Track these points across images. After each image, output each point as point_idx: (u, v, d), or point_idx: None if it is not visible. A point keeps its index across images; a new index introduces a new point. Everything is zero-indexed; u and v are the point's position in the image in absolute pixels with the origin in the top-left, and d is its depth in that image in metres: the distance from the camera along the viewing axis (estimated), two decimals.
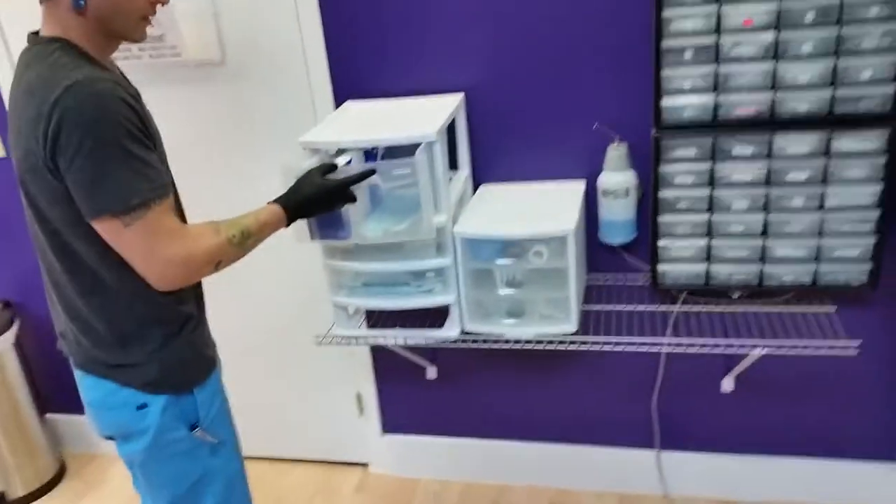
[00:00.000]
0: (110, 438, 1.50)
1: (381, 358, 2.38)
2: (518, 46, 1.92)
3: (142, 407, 1.38)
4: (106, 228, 1.23)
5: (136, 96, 1.31)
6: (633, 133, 1.91)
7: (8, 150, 1.39)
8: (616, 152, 1.88)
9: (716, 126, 1.73)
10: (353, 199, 1.58)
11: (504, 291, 1.84)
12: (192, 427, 1.42)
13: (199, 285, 1.50)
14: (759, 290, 1.88)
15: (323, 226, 1.69)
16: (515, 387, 2.31)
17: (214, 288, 1.58)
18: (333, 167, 1.60)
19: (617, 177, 1.88)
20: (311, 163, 1.66)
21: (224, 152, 2.23)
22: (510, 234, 1.78)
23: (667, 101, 1.74)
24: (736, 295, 1.94)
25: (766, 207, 1.77)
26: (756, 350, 1.78)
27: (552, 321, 1.84)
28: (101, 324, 1.35)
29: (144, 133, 1.25)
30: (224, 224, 1.34)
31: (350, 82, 2.06)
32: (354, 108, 2.00)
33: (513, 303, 1.86)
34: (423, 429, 2.46)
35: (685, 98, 1.72)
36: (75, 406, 2.74)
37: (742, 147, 1.74)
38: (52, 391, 2.76)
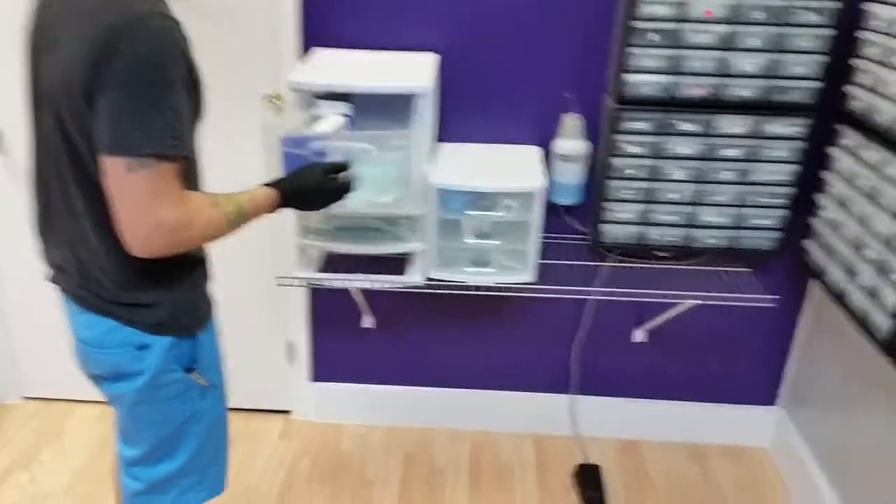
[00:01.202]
0: (95, 378, 1.46)
1: (318, 307, 2.42)
2: (486, 16, 2.04)
3: (142, 347, 1.34)
4: (110, 167, 1.16)
5: (189, 42, 1.24)
6: (583, 106, 2.10)
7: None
8: (573, 122, 2.06)
9: (668, 104, 1.95)
10: (347, 192, 1.55)
11: (472, 241, 1.97)
12: (188, 370, 1.41)
13: None
14: (684, 252, 2.14)
15: None
16: (445, 338, 2.45)
17: None
18: (339, 168, 1.54)
19: (573, 143, 2.06)
20: (293, 120, 1.60)
21: None
22: (485, 187, 1.90)
23: (628, 78, 1.93)
24: (663, 255, 2.19)
25: (700, 179, 2.02)
26: (689, 301, 2.04)
27: (512, 271, 2.00)
28: (114, 260, 1.29)
29: (188, 87, 1.21)
30: (222, 198, 1.30)
31: (318, 30, 2.07)
32: (326, 55, 2.03)
33: (478, 252, 2.00)
34: (350, 377, 2.54)
35: (645, 76, 1.93)
36: None
37: (687, 124, 1.97)
38: None
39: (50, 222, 1.36)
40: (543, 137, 2.14)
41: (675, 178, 2.03)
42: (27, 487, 2.27)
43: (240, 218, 1.33)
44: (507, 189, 1.91)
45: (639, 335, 2.38)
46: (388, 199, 1.71)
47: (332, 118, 1.67)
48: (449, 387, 2.53)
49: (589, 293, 2.08)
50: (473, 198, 1.94)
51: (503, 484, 2.35)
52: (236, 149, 2.10)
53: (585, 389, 2.50)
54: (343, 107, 1.72)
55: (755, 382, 2.46)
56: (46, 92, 1.24)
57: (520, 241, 1.97)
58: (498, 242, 1.98)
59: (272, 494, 2.28)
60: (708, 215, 2.06)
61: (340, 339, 2.47)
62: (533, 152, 2.11)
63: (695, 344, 2.41)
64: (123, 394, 1.39)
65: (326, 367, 2.52)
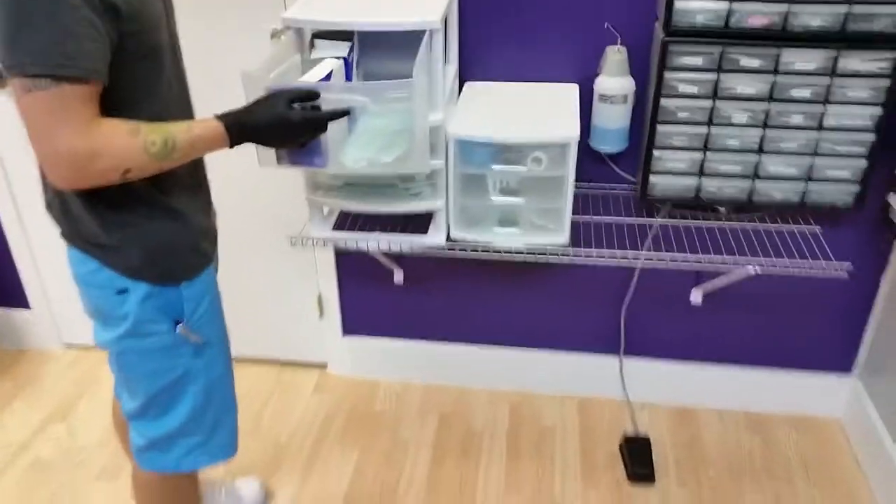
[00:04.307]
0: (92, 319, 1.42)
1: (346, 261, 2.29)
2: None
3: (122, 292, 1.30)
4: (14, 87, 1.07)
5: None
6: (632, 37, 1.83)
7: None
8: (617, 56, 1.80)
9: (726, 35, 1.67)
10: (322, 130, 1.34)
11: (497, 199, 1.77)
12: (176, 323, 1.35)
13: (195, 176, 1.38)
14: (746, 206, 1.88)
15: (294, 150, 1.42)
16: (483, 294, 2.28)
17: None
18: (308, 96, 1.35)
19: (616, 82, 1.81)
20: (277, 74, 1.39)
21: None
22: (510, 139, 1.69)
23: (680, 4, 1.66)
24: (723, 210, 1.93)
25: (765, 123, 1.75)
26: (749, 268, 1.79)
27: (544, 231, 1.79)
28: (79, 198, 1.25)
29: (101, 9, 1.08)
30: (147, 127, 1.16)
31: None
32: None
33: (504, 211, 1.80)
34: (384, 332, 2.41)
35: (700, 2, 1.65)
36: None
37: (749, 59, 1.69)
38: None
39: None
40: (583, 74, 1.89)
41: (735, 122, 1.76)
42: (62, 441, 2.27)
43: (168, 150, 1.17)
44: (537, 140, 1.68)
45: (697, 295, 2.14)
46: (388, 159, 1.50)
47: (325, 62, 1.48)
48: (488, 344, 2.37)
49: (632, 258, 1.85)
50: (498, 150, 1.73)
51: (543, 451, 2.20)
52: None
53: (636, 351, 2.29)
54: (342, 48, 1.53)
55: (828, 348, 2.19)
56: None
57: (552, 199, 1.76)
58: (524, 200, 1.77)
59: (304, 452, 2.21)
60: (774, 165, 1.79)
61: (371, 293, 2.34)
62: (570, 92, 1.86)
63: (759, 305, 2.15)
64: (110, 340, 1.36)
65: (358, 321, 2.41)
